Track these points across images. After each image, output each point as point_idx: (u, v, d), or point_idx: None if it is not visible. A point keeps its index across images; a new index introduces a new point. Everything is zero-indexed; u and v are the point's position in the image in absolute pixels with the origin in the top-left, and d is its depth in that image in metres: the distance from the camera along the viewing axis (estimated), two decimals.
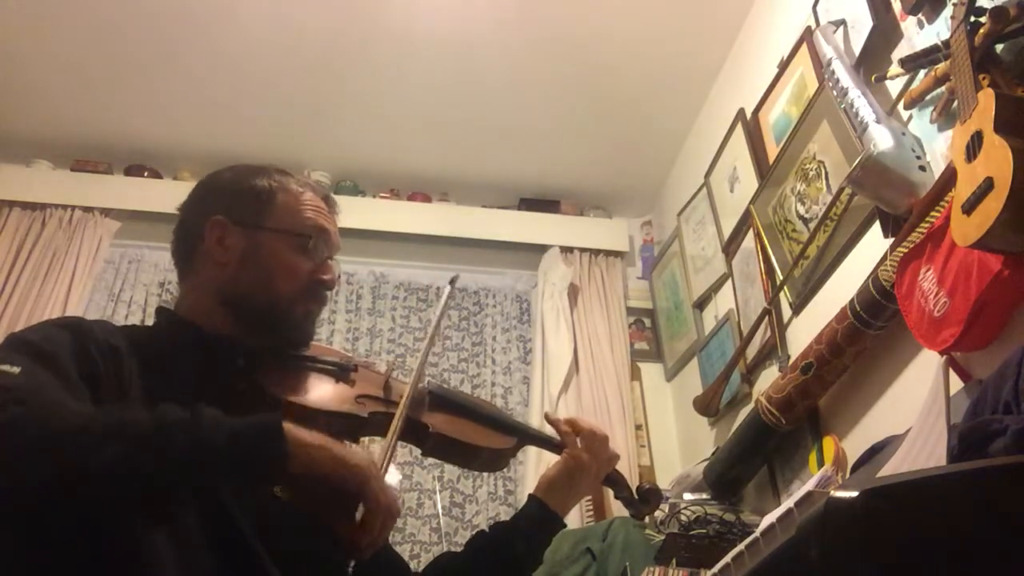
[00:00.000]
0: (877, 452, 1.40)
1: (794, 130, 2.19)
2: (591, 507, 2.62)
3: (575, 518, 2.52)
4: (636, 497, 1.37)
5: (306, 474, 0.85)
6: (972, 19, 1.41)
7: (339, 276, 1.23)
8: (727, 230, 2.63)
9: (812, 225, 2.05)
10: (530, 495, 1.30)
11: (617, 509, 2.56)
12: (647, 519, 2.11)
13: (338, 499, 0.88)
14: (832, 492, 0.66)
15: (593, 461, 1.30)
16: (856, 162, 1.69)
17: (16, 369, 0.86)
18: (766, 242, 2.29)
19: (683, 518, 1.98)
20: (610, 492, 2.53)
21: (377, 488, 0.89)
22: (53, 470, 0.76)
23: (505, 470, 2.83)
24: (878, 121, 1.72)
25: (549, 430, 1.38)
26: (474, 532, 1.32)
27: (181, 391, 1.00)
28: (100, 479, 0.77)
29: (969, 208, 1.26)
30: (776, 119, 2.37)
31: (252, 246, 1.15)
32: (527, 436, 1.34)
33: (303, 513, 1.02)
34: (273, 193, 1.18)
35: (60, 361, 0.91)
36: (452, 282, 1.41)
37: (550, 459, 1.37)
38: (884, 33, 1.85)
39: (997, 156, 1.23)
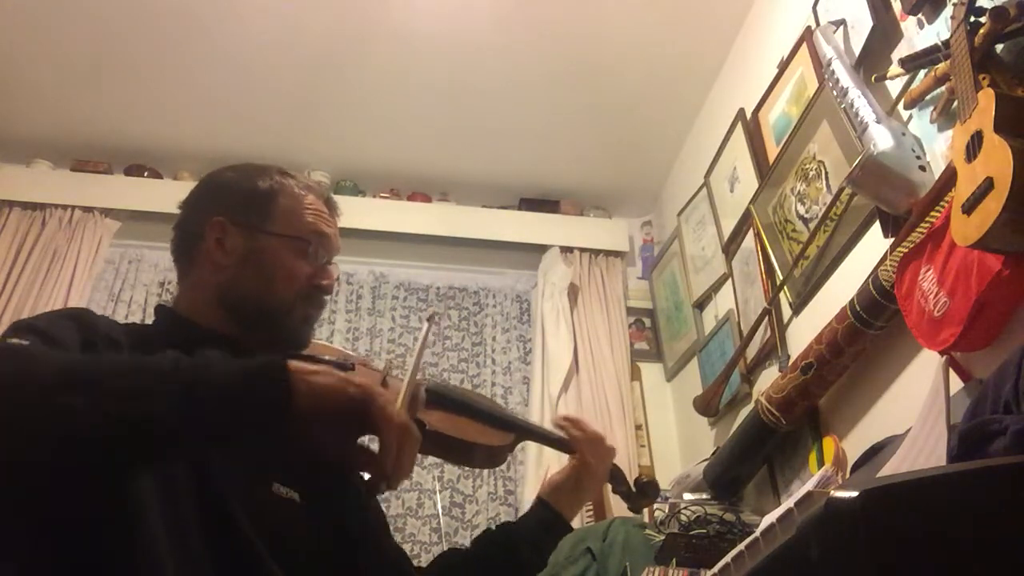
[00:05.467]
0: (877, 452, 1.40)
1: (794, 130, 2.19)
2: (591, 507, 2.62)
3: (575, 518, 2.52)
4: (634, 491, 1.38)
5: (313, 403, 0.81)
6: (972, 19, 1.41)
7: (338, 278, 1.24)
8: (727, 230, 2.63)
9: (812, 225, 2.05)
10: (537, 497, 1.31)
11: (617, 509, 2.57)
12: (647, 519, 2.11)
13: (351, 432, 0.85)
14: (832, 492, 0.66)
15: (600, 464, 1.32)
16: (856, 162, 1.69)
17: (26, 342, 0.88)
18: (766, 242, 2.29)
19: (683, 518, 1.98)
20: (611, 492, 2.52)
21: (384, 403, 0.85)
22: (61, 407, 0.74)
23: (505, 469, 2.83)
24: (878, 121, 1.72)
25: (549, 426, 1.39)
26: (476, 532, 1.32)
27: None
28: (107, 417, 0.75)
29: (969, 208, 1.26)
30: (776, 119, 2.37)
31: (252, 248, 1.15)
32: (525, 432, 1.35)
33: (304, 511, 1.02)
34: (274, 195, 1.18)
35: (66, 345, 0.92)
36: (431, 319, 1.40)
37: (550, 458, 1.37)
38: (884, 33, 1.85)
39: (997, 156, 1.23)
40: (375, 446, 0.86)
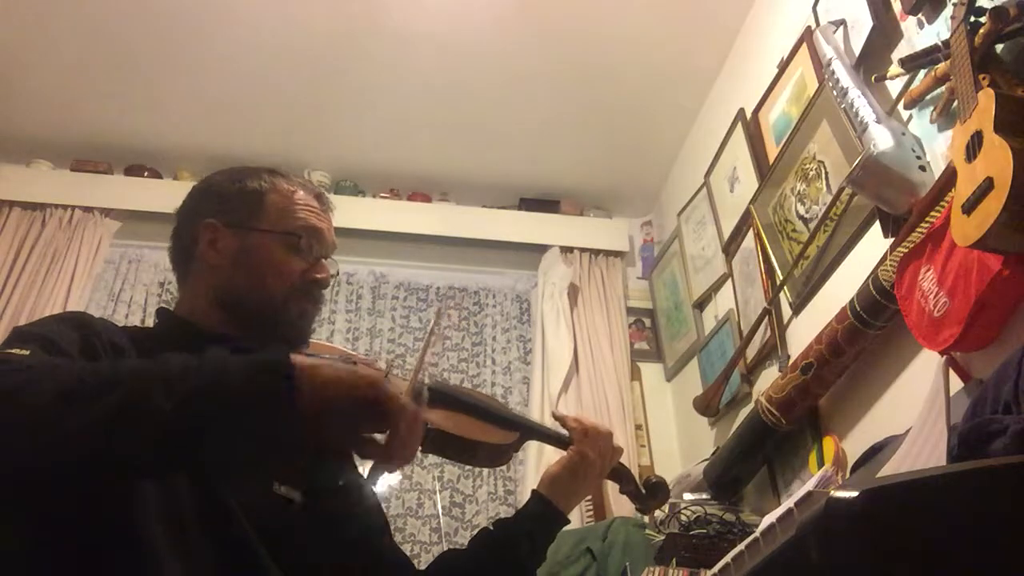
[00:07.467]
0: (877, 452, 1.40)
1: (794, 130, 2.19)
2: (591, 507, 2.62)
3: (575, 518, 2.52)
4: (643, 491, 1.36)
5: (319, 395, 0.80)
6: (972, 19, 1.41)
7: (337, 274, 1.23)
8: (727, 230, 2.63)
9: (812, 225, 2.05)
10: (533, 491, 1.29)
11: (617, 509, 2.57)
12: (647, 519, 2.11)
13: (355, 421, 0.85)
14: (832, 492, 0.66)
15: (598, 457, 1.30)
16: (856, 162, 1.69)
17: (26, 351, 0.87)
18: (766, 242, 2.29)
19: (683, 518, 1.98)
20: (610, 492, 2.51)
21: (392, 391, 0.84)
22: (65, 420, 0.74)
23: (505, 469, 2.83)
24: (878, 121, 1.72)
25: (553, 426, 1.38)
26: (476, 531, 1.31)
27: None
28: (111, 426, 0.74)
29: (969, 208, 1.26)
30: (776, 119, 2.37)
31: (244, 247, 1.15)
32: (529, 430, 1.33)
33: (304, 510, 1.02)
34: (263, 194, 1.19)
35: (67, 351, 0.92)
36: (438, 313, 1.39)
37: (551, 458, 1.36)
38: (884, 33, 1.85)
39: (997, 156, 1.23)
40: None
